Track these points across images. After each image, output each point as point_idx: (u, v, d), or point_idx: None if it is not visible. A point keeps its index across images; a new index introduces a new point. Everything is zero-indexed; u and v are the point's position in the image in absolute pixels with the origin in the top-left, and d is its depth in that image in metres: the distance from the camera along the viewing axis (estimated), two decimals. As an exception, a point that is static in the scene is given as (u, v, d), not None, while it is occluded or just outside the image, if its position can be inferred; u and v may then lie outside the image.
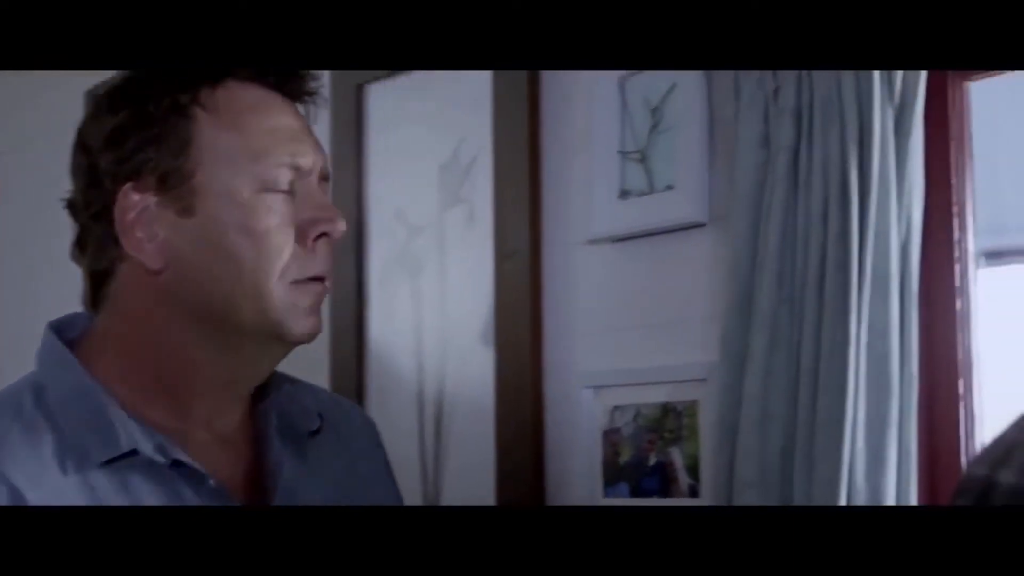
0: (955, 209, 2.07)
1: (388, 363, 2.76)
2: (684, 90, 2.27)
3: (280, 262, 1.51)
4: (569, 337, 2.47)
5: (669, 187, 2.29)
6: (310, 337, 1.55)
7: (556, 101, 2.52)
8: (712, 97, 2.25)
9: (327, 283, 1.57)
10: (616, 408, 2.33)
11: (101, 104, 1.57)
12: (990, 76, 2.11)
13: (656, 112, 2.32)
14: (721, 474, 2.04)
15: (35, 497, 1.40)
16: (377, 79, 2.81)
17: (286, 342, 1.54)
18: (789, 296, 1.98)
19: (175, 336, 1.53)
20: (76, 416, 1.48)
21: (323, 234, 1.55)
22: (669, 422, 2.26)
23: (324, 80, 1.64)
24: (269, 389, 1.64)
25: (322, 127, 2.93)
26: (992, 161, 2.18)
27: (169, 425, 1.52)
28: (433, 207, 2.71)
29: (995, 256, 2.21)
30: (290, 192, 1.53)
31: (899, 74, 1.94)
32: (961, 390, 2.04)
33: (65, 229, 1.59)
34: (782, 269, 1.98)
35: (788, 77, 2.02)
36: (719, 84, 2.23)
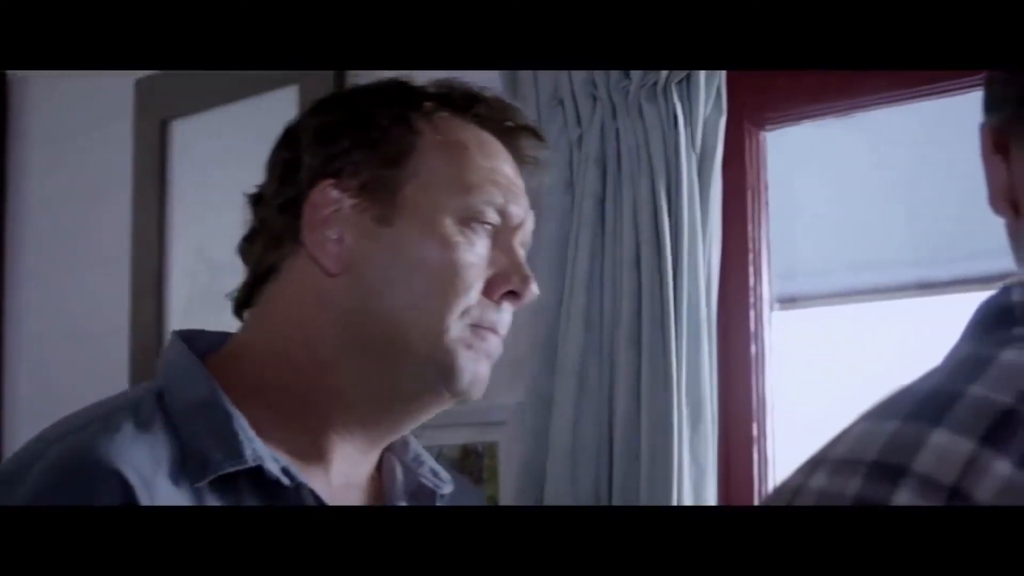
0: (751, 256, 2.11)
1: (189, 402, 2.72)
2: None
3: (467, 301, 1.44)
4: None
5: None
6: (474, 387, 1.47)
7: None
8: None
9: (501, 344, 1.50)
10: (418, 449, 2.33)
11: (322, 104, 1.54)
12: (785, 126, 2.17)
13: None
14: (525, 515, 2.05)
15: (146, 500, 1.29)
16: (182, 115, 2.78)
17: (448, 385, 1.45)
18: (598, 341, 2.00)
19: (329, 350, 1.44)
20: (198, 424, 1.37)
21: (512, 293, 1.48)
22: (470, 463, 2.26)
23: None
24: (396, 447, 1.56)
25: (124, 162, 2.93)
26: (786, 209, 2.23)
27: (295, 455, 1.41)
28: (236, 245, 2.68)
29: (788, 301, 2.27)
30: (492, 238, 1.48)
31: (700, 123, 1.98)
32: (755, 433, 2.08)
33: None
34: (589, 314, 2.00)
35: (592, 124, 2.05)
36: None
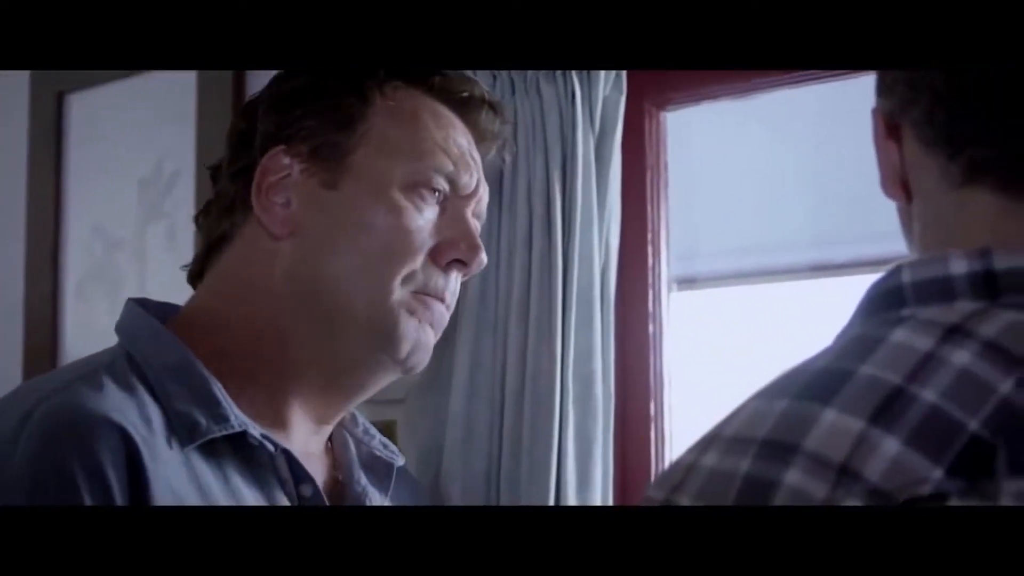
0: (650, 236, 2.12)
1: (84, 379, 2.69)
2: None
3: (411, 265, 1.46)
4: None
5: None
6: (415, 355, 1.49)
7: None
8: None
9: (448, 313, 1.51)
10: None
11: (279, 76, 1.54)
12: (686, 107, 2.18)
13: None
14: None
15: (147, 456, 1.27)
16: (79, 88, 2.75)
17: (389, 351, 1.47)
18: (493, 318, 2.01)
19: (279, 312, 1.45)
20: (177, 387, 1.36)
21: (459, 261, 1.50)
22: (369, 441, 2.26)
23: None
24: (346, 422, 1.58)
25: (19, 136, 2.89)
26: (686, 190, 2.24)
27: (257, 422, 1.41)
28: (133, 222, 2.66)
29: (687, 282, 2.28)
30: (441, 205, 1.49)
31: (599, 102, 1.99)
32: (652, 411, 2.09)
33: None
34: (485, 291, 2.00)
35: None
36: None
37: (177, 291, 2.35)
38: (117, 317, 1.47)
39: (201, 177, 2.52)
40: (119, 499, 1.24)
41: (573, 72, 1.97)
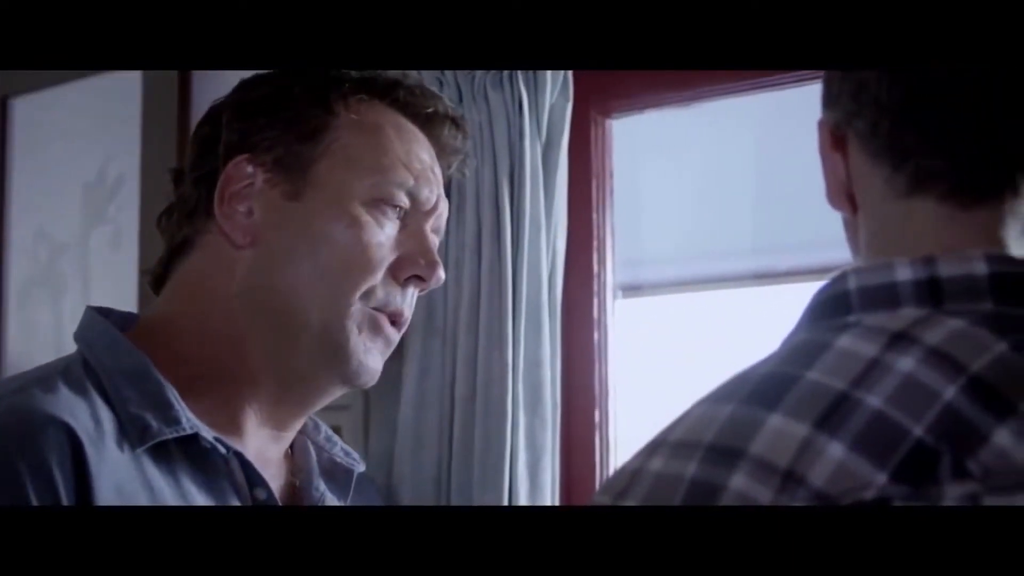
0: (595, 244, 2.12)
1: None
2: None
3: (370, 280, 1.47)
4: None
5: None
6: (361, 376, 1.49)
7: (207, 123, 2.49)
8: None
9: (399, 333, 1.52)
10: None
11: (244, 84, 1.54)
12: (631, 115, 2.19)
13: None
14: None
15: (93, 455, 1.28)
16: (23, 92, 2.73)
17: (337, 367, 1.48)
18: (442, 326, 2.01)
19: (237, 320, 1.46)
20: (131, 392, 1.37)
21: (417, 277, 1.51)
22: (314, 447, 2.25)
23: (468, 146, 1.63)
24: (308, 429, 1.59)
25: (-39, 140, 2.87)
26: (630, 198, 2.25)
27: (213, 428, 1.42)
28: (77, 226, 2.65)
29: (632, 289, 2.29)
30: (401, 220, 1.50)
31: (546, 109, 1.99)
32: (597, 418, 2.09)
33: None
34: (433, 299, 2.00)
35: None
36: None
37: (121, 296, 2.34)
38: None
39: (146, 181, 2.51)
40: (64, 497, 1.25)
41: (520, 78, 1.97)
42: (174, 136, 2.49)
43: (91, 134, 2.65)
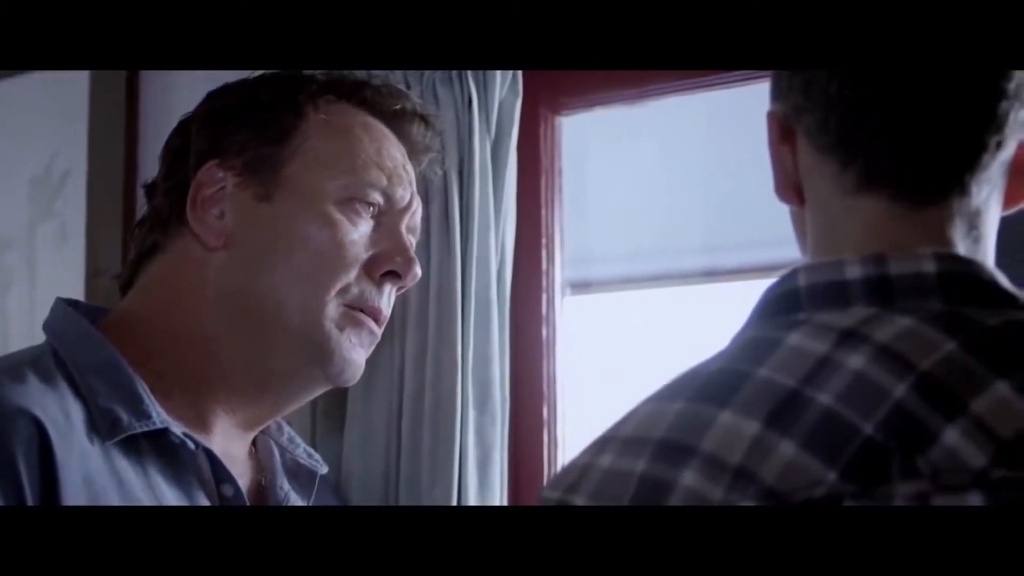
0: (544, 240, 2.12)
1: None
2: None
3: (344, 279, 1.47)
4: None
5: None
6: (346, 373, 1.49)
7: (155, 116, 2.47)
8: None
9: (380, 329, 1.52)
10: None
11: (212, 93, 1.54)
12: (580, 112, 2.19)
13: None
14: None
15: (60, 446, 1.27)
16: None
17: (322, 366, 1.48)
18: (390, 321, 2.00)
19: (208, 323, 1.46)
20: (101, 384, 1.37)
21: (393, 274, 1.50)
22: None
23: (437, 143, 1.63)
24: (271, 429, 1.59)
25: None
26: (579, 195, 2.25)
27: (181, 423, 1.42)
28: (23, 221, 2.62)
29: (581, 286, 2.29)
30: (375, 219, 1.50)
31: (495, 106, 1.99)
32: (545, 415, 2.09)
33: None
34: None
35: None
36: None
37: (67, 291, 2.32)
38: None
39: (93, 177, 2.49)
40: (28, 489, 1.24)
41: (470, 76, 1.97)
42: (121, 131, 2.47)
43: (38, 129, 2.62)
